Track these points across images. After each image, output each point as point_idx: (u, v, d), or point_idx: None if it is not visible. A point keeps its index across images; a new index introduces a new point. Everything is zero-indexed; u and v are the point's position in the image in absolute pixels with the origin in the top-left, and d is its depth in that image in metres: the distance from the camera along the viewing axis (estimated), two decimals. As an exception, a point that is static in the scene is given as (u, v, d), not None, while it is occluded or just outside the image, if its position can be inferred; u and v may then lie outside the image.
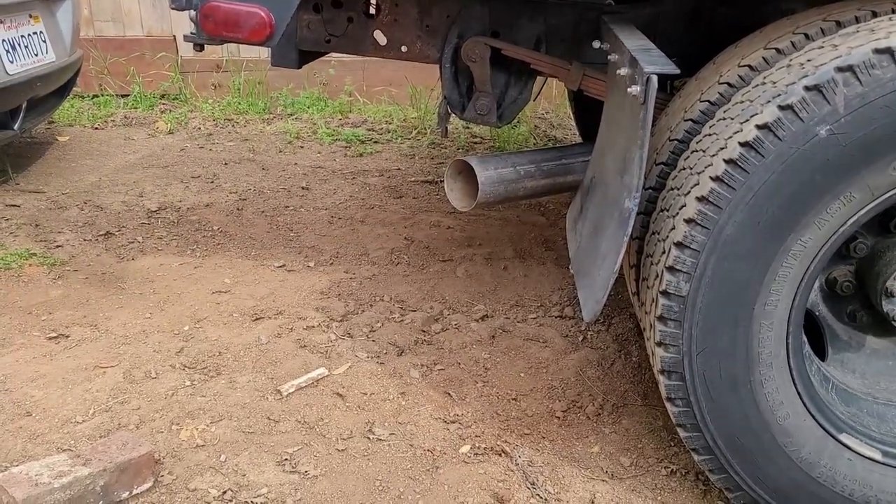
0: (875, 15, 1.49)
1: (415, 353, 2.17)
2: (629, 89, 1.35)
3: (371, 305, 2.43)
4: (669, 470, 1.74)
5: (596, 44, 2.03)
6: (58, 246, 2.80)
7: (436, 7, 2.03)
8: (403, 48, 2.11)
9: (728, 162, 1.29)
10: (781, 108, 1.26)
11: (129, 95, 4.93)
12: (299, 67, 2.18)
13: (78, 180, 3.49)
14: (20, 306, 2.37)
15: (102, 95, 4.90)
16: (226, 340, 2.19)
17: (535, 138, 4.37)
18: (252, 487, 1.64)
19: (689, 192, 1.36)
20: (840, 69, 1.23)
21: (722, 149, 1.33)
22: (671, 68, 1.29)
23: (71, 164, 3.73)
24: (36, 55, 3.05)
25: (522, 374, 2.09)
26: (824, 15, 1.55)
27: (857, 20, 1.49)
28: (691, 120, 1.58)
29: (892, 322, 1.47)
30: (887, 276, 1.46)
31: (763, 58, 1.53)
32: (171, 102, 4.90)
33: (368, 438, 1.81)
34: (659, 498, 1.67)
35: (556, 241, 2.95)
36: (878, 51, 1.22)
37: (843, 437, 1.43)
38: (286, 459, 1.72)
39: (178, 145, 4.11)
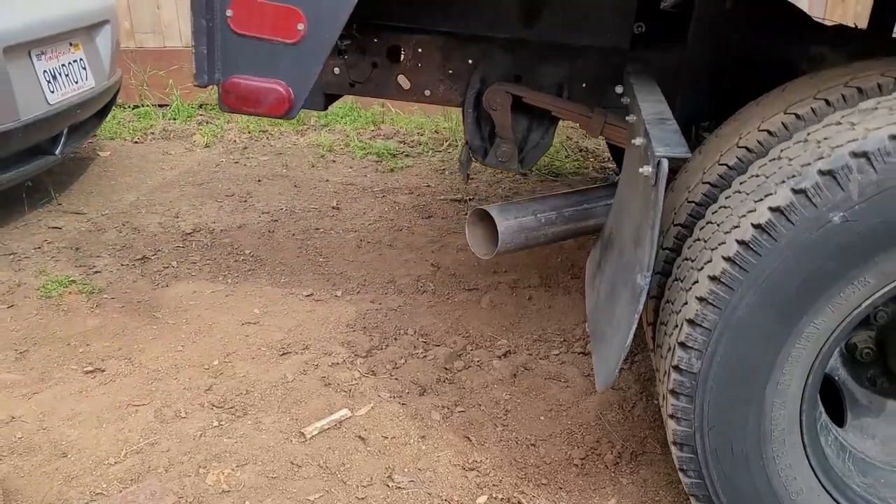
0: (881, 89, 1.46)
1: (436, 392, 2.20)
2: (640, 169, 1.35)
3: (395, 339, 2.46)
4: (685, 526, 1.75)
5: (619, 89, 2.03)
6: (96, 272, 2.89)
7: (458, 52, 2.05)
8: (427, 92, 2.13)
9: (740, 243, 1.29)
10: (795, 191, 1.25)
11: (168, 105, 5.04)
12: (325, 109, 2.21)
13: (117, 200, 3.59)
14: (59, 337, 2.46)
15: (143, 106, 5.01)
16: (253, 377, 2.25)
17: (565, 150, 4.35)
18: (274, 537, 1.69)
19: (703, 268, 1.36)
20: (855, 154, 1.22)
21: (735, 227, 1.32)
22: (683, 150, 1.29)
23: (111, 181, 3.83)
24: (76, 83, 3.13)
25: (542, 417, 2.11)
26: (847, 79, 1.52)
27: (880, 89, 1.46)
28: (709, 183, 1.58)
29: (869, 396, 1.46)
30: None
31: (782, 123, 1.52)
32: (208, 113, 4.99)
33: (388, 486, 1.85)
34: (674, 555, 1.68)
35: (581, 266, 2.95)
36: (894, 137, 1.20)
37: None
38: (308, 507, 1.78)
39: (214, 160, 4.18)
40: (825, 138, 1.31)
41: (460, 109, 2.13)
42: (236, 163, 4.16)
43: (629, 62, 1.94)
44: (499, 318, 2.61)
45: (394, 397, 2.17)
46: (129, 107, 5.00)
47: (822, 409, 1.52)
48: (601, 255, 1.80)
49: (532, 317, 2.63)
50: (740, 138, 1.59)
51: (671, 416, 1.42)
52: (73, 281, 2.80)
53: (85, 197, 3.62)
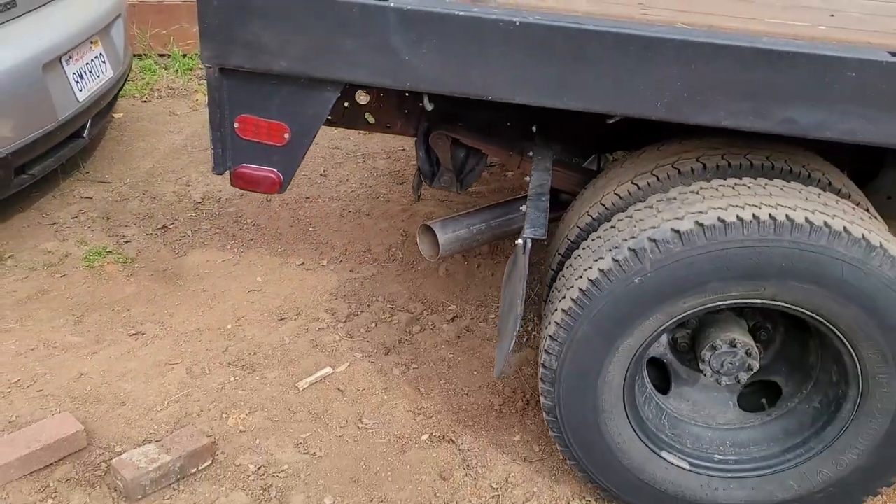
0: (705, 168, 2.08)
1: (398, 352, 2.92)
2: (517, 241, 2.00)
3: (369, 305, 3.15)
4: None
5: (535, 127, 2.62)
6: (126, 242, 3.54)
7: (410, 99, 2.63)
8: (388, 125, 2.73)
9: (580, 290, 1.95)
10: (615, 259, 1.90)
11: (169, 56, 5.54)
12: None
13: (135, 168, 4.19)
14: (105, 303, 3.15)
15: (146, 57, 5.50)
16: (259, 340, 2.95)
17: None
18: (277, 464, 2.43)
19: (563, 299, 2.03)
20: (651, 239, 1.86)
21: (579, 278, 1.98)
22: (542, 233, 1.93)
23: (127, 147, 4.41)
24: (98, 76, 3.68)
25: (475, 372, 2.83)
26: (675, 159, 2.14)
27: (692, 172, 2.08)
28: (579, 227, 2.22)
29: (703, 375, 2.16)
30: (702, 346, 2.13)
31: (628, 191, 2.15)
32: (207, 68, 5.48)
33: (358, 427, 2.59)
34: (555, 476, 2.42)
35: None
36: (673, 230, 1.84)
37: (664, 454, 2.16)
38: (301, 443, 2.51)
39: (216, 123, 4.74)
40: (641, 220, 1.95)
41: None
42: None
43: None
44: (451, 286, 3.30)
45: (365, 357, 2.88)
46: (135, 56, 5.49)
47: (648, 385, 2.23)
48: (510, 266, 2.45)
49: (478, 284, 3.31)
50: (603, 195, 2.22)
51: (541, 394, 2.12)
52: (110, 251, 3.45)
53: (107, 164, 4.21)
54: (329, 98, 1.96)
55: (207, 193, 3.96)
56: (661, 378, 2.33)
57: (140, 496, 2.27)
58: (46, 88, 3.24)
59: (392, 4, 1.76)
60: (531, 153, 2.45)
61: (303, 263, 3.43)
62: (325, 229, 3.69)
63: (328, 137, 4.59)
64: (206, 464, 2.40)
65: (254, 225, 3.71)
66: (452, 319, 3.10)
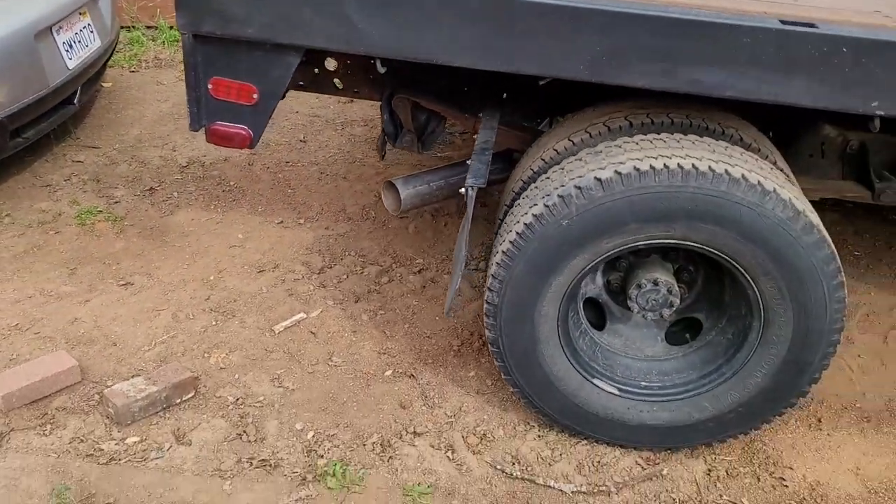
0: (631, 125, 2.33)
1: (367, 300, 3.17)
2: (461, 190, 2.24)
3: (342, 259, 3.41)
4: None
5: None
6: (116, 202, 3.78)
7: (373, 66, 2.86)
8: (355, 90, 2.96)
9: (517, 233, 2.20)
10: (546, 205, 2.16)
11: (156, 28, 5.74)
12: (283, 98, 3.04)
13: (124, 134, 4.41)
14: (96, 257, 3.39)
15: (134, 29, 5.70)
16: (239, 289, 3.20)
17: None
18: (254, 396, 2.70)
19: (501, 244, 2.28)
20: (577, 187, 2.12)
21: (517, 223, 2.23)
22: (482, 182, 2.18)
23: (116, 115, 4.64)
24: (87, 46, 3.89)
25: (438, 318, 3.10)
26: (605, 118, 2.39)
27: (620, 129, 2.33)
28: (522, 180, 2.47)
29: (633, 312, 2.42)
30: (631, 285, 2.39)
31: (564, 147, 2.39)
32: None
33: (329, 364, 2.85)
34: (504, 406, 2.69)
35: (492, 196, 3.84)
36: (596, 178, 2.10)
37: (595, 381, 2.43)
38: (275, 378, 2.77)
39: (201, 92, 4.96)
40: (570, 170, 2.20)
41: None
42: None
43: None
44: (419, 242, 3.55)
45: (336, 304, 3.14)
46: (122, 28, 5.68)
47: (584, 321, 2.50)
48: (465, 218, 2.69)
49: (445, 240, 3.56)
50: (544, 151, 2.47)
51: (486, 328, 2.38)
52: (100, 211, 3.69)
53: (97, 131, 4.43)
54: (292, 62, 2.20)
55: (192, 158, 4.19)
56: (598, 316, 2.60)
57: (129, 421, 2.54)
58: (39, 56, 3.46)
59: (346, -23, 2.00)
60: (482, 115, 2.69)
61: (281, 222, 3.67)
62: (304, 191, 3.93)
63: (309, 106, 4.82)
64: (189, 395, 2.67)
65: (236, 187, 3.95)
66: (419, 272, 3.35)
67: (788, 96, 2.01)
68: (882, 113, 2.00)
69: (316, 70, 2.90)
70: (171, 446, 2.48)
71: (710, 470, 2.49)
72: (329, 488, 2.36)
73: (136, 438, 2.50)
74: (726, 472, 2.49)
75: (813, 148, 2.81)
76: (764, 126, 2.65)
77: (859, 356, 2.99)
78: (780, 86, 1.99)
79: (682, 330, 2.58)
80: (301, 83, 2.94)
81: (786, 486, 2.45)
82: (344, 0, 2.00)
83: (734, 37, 1.94)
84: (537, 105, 2.78)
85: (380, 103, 2.94)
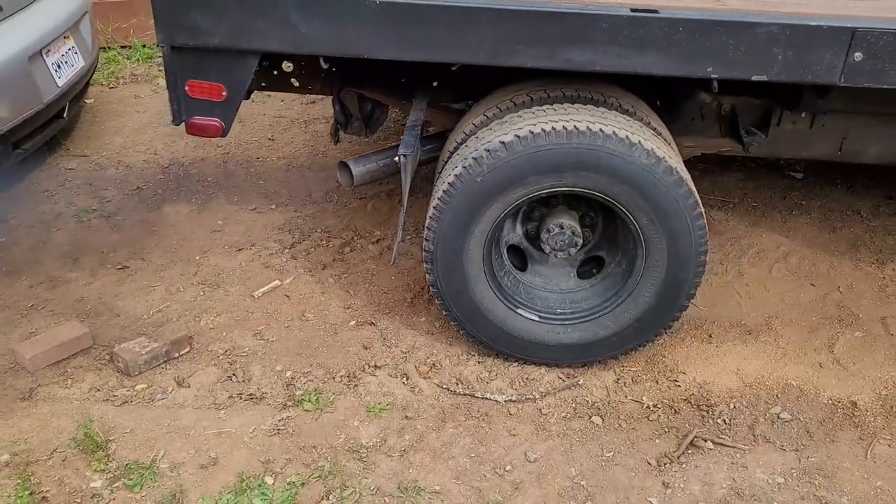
0: (532, 99, 2.87)
1: (332, 267, 3.70)
2: (395, 159, 2.78)
3: (309, 236, 3.93)
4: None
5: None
6: (107, 201, 4.28)
7: (325, 69, 3.39)
8: (310, 87, 3.49)
9: (444, 191, 2.74)
10: (464, 167, 2.70)
11: (130, 47, 6.23)
12: (248, 99, 3.56)
13: (109, 143, 4.91)
14: (95, 248, 3.88)
15: (110, 49, 6.18)
16: (222, 265, 3.72)
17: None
18: (240, 348, 3.21)
19: (433, 200, 2.82)
20: (486, 150, 2.66)
21: (443, 182, 2.77)
22: (409, 151, 2.72)
23: (101, 126, 5.13)
24: (72, 66, 4.38)
25: (393, 277, 3.63)
26: (512, 95, 2.93)
27: (523, 104, 2.87)
28: (449, 151, 3.01)
29: (546, 253, 2.97)
30: (542, 230, 2.94)
31: (480, 121, 2.93)
32: (165, 55, 6.17)
33: (302, 320, 3.37)
34: (450, 342, 3.22)
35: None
36: (501, 142, 2.64)
37: (519, 311, 2.97)
38: (257, 333, 3.29)
39: (176, 102, 5.46)
40: (482, 138, 2.74)
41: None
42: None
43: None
44: (377, 217, 4.08)
45: (306, 272, 3.66)
46: (100, 49, 6.16)
47: (507, 263, 3.04)
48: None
49: (398, 215, 4.08)
50: (466, 125, 3.01)
51: (426, 272, 2.92)
52: (94, 209, 4.19)
53: (85, 141, 4.92)
54: (252, 63, 2.72)
55: (172, 160, 4.70)
56: (522, 260, 3.14)
57: (137, 373, 3.04)
58: (32, 77, 3.95)
59: (290, -7, 2.53)
60: (413, 100, 3.23)
61: (255, 208, 4.19)
62: (273, 182, 4.45)
63: (275, 108, 5.34)
64: (185, 350, 3.18)
65: (213, 182, 4.46)
66: (376, 241, 3.88)
67: (643, 67, 2.55)
68: (716, 76, 2.56)
69: (275, 72, 3.42)
70: (173, 389, 2.99)
71: (618, 378, 3.04)
72: (306, 410, 2.88)
73: (144, 385, 3.01)
74: (632, 379, 3.04)
75: (694, 112, 3.37)
76: (652, 96, 3.21)
77: (747, 285, 3.56)
78: (634, 59, 2.53)
79: (590, 267, 3.13)
80: (263, 84, 3.46)
81: (678, 385, 3.01)
82: (289, 10, 2.53)
83: (595, 23, 2.49)
84: (461, 90, 3.32)
85: (332, 97, 3.47)
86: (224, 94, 2.77)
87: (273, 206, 4.20)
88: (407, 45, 2.57)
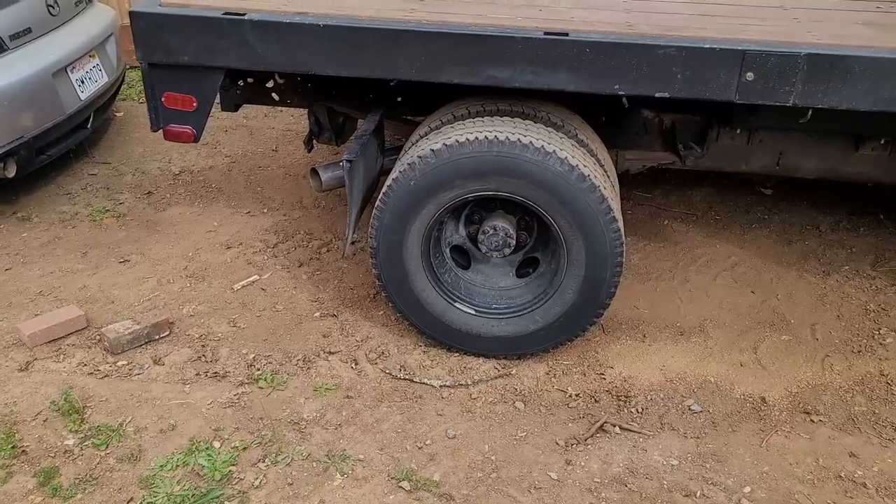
0: (469, 113, 3.18)
1: (308, 265, 4.05)
2: (341, 163, 3.11)
3: (292, 237, 4.29)
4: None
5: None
6: (121, 203, 4.73)
7: (299, 83, 3.76)
8: (289, 101, 3.87)
9: (383, 192, 3.06)
10: (401, 170, 3.02)
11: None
12: (236, 111, 3.96)
13: (131, 152, 5.39)
14: (103, 243, 4.32)
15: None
16: (210, 260, 4.11)
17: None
18: (214, 334, 3.57)
19: (376, 201, 3.14)
20: (420, 156, 2.97)
21: (385, 184, 3.09)
22: (353, 156, 3.05)
23: (125, 137, 5.62)
24: (96, 82, 4.87)
25: (362, 275, 3.95)
26: (453, 109, 3.24)
27: (462, 117, 3.17)
28: (409, 147, 3.33)
29: (484, 253, 3.25)
30: (480, 231, 3.23)
31: (425, 132, 3.25)
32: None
33: (273, 311, 3.72)
34: (401, 334, 3.52)
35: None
36: (431, 149, 2.95)
37: (457, 304, 3.26)
38: (231, 321, 3.65)
39: (196, 116, 5.94)
40: (419, 146, 3.06)
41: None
42: (211, 116, 5.89)
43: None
44: (357, 222, 4.42)
45: (284, 269, 4.02)
46: (136, 69, 6.70)
47: (449, 262, 3.34)
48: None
49: (378, 220, 4.42)
50: (415, 136, 3.33)
51: (372, 266, 3.24)
52: (108, 210, 4.64)
53: (109, 150, 5.42)
54: (217, 77, 3.10)
55: (184, 168, 5.14)
56: (465, 259, 3.43)
57: (120, 351, 3.43)
58: (56, 90, 4.44)
59: (247, 17, 2.90)
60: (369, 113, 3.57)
61: (249, 212, 4.58)
62: (270, 188, 4.85)
63: (284, 122, 5.76)
64: (165, 333, 3.56)
65: (216, 188, 4.88)
66: (352, 244, 4.22)
67: (556, 84, 2.83)
68: (623, 92, 2.83)
69: (257, 87, 3.81)
70: (149, 366, 3.37)
71: (549, 370, 3.30)
72: (260, 388, 3.22)
73: (125, 362, 3.39)
74: (562, 371, 3.29)
75: (638, 127, 3.62)
76: (597, 113, 3.48)
77: (690, 291, 3.77)
78: (549, 77, 2.82)
79: (529, 268, 3.40)
80: (248, 98, 3.85)
81: (604, 378, 3.25)
82: (246, 32, 2.90)
83: (512, 44, 2.79)
84: (420, 104, 3.65)
85: (307, 110, 3.84)
86: (195, 104, 3.16)
87: (265, 211, 4.58)
88: (347, 62, 2.91)
